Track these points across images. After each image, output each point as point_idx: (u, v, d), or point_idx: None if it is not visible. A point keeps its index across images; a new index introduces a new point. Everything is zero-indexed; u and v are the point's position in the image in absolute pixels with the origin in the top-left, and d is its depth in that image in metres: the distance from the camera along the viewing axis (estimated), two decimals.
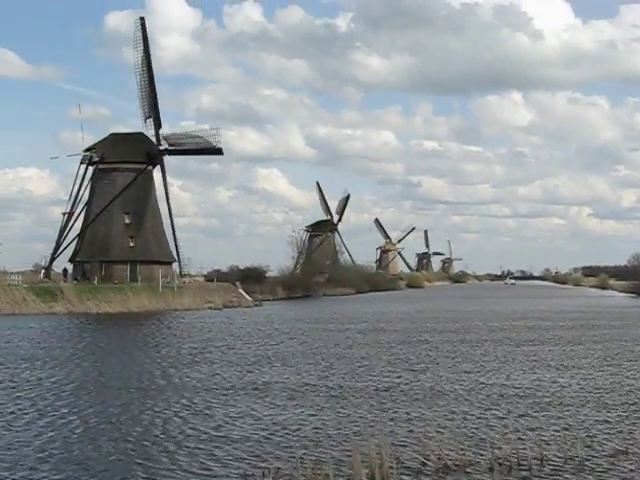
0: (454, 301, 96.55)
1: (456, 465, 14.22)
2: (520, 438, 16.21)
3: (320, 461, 14.24)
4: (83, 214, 75.98)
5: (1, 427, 17.73)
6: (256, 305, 75.14)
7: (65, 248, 75.78)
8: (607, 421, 18.23)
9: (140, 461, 14.81)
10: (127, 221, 74.40)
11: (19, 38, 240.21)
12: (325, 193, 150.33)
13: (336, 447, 15.68)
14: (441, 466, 14.24)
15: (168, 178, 77.31)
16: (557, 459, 14.73)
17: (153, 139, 75.05)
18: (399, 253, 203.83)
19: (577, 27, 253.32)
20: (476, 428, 17.39)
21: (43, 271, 74.44)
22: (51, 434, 17.05)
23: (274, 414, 19.22)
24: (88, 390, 23.05)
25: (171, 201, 77.15)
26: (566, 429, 17.24)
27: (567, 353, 33.02)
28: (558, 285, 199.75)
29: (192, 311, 64.42)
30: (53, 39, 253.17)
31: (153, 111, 74.34)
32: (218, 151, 76.38)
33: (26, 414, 19.28)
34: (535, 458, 14.59)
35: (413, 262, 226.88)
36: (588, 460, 14.64)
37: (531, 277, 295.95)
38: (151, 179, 77.30)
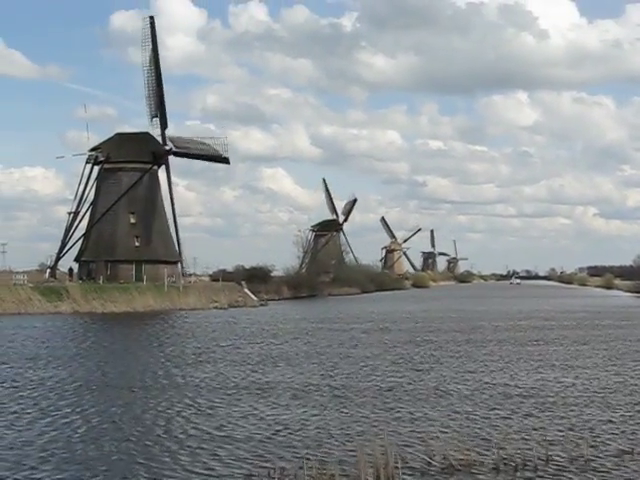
0: (459, 301, 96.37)
1: (461, 465, 14.15)
2: (525, 438, 16.14)
3: (325, 461, 14.19)
4: (89, 214, 76.13)
5: (3, 426, 17.70)
6: (261, 305, 75.11)
7: (70, 248, 76.02)
8: (612, 421, 18.14)
9: (143, 461, 14.76)
10: (132, 221, 74.44)
11: (25, 38, 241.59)
12: (331, 192, 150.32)
13: (340, 447, 15.61)
14: (446, 466, 14.17)
15: (173, 178, 77.59)
16: (562, 459, 14.65)
17: (159, 139, 75.13)
18: (404, 253, 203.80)
19: (582, 26, 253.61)
20: (481, 428, 17.31)
21: (48, 270, 74.66)
22: (53, 433, 17.02)
23: (278, 414, 19.17)
24: (91, 389, 23.01)
25: (176, 201, 77.30)
26: (571, 429, 17.16)
27: (572, 353, 32.90)
28: (563, 285, 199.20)
29: (197, 311, 64.41)
30: (59, 39, 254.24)
31: (160, 110, 74.40)
32: (225, 160, 76.68)
33: (28, 413, 19.25)
34: (540, 458, 14.52)
35: (418, 262, 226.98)
36: (593, 460, 14.56)
37: (536, 277, 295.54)
38: (157, 179, 77.37)
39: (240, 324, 50.26)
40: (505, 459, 14.46)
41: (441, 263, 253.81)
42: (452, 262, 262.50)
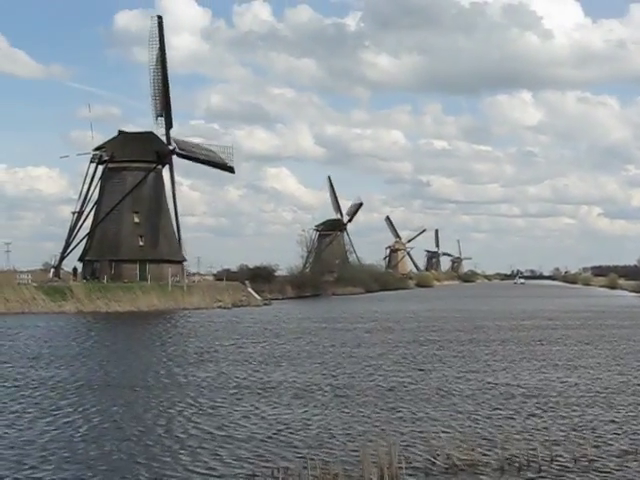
0: (463, 300, 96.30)
1: (465, 465, 14.11)
2: (528, 438, 16.06)
3: (328, 461, 14.14)
4: (93, 213, 76.10)
5: (5, 426, 17.68)
6: (265, 304, 75.10)
7: (75, 247, 75.97)
8: (615, 421, 18.08)
9: (144, 461, 14.71)
10: (137, 220, 74.43)
11: (29, 38, 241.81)
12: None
13: (343, 447, 15.56)
14: (449, 466, 14.13)
15: (177, 177, 77.62)
16: (565, 459, 14.59)
17: (163, 138, 75.13)
18: (408, 253, 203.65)
19: (587, 26, 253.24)
20: (484, 428, 17.26)
21: (53, 270, 74.63)
22: (54, 433, 17.00)
23: (280, 413, 19.12)
24: (92, 389, 22.98)
25: (180, 200, 77.47)
26: (574, 429, 17.10)
27: (575, 353, 32.82)
28: (568, 285, 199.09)
29: (201, 310, 64.41)
30: (63, 39, 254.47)
31: (165, 110, 74.39)
32: (230, 169, 76.69)
33: (30, 413, 19.24)
34: (543, 458, 14.45)
35: (422, 261, 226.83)
36: (596, 460, 14.50)
37: (541, 277, 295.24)
38: (161, 178, 77.38)
39: (243, 323, 50.24)
40: (508, 459, 14.41)
41: (445, 263, 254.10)
42: (456, 262, 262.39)
